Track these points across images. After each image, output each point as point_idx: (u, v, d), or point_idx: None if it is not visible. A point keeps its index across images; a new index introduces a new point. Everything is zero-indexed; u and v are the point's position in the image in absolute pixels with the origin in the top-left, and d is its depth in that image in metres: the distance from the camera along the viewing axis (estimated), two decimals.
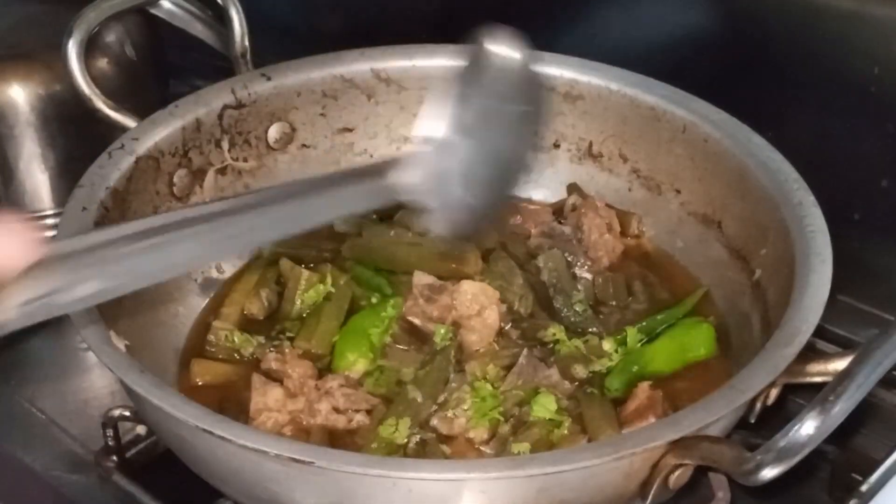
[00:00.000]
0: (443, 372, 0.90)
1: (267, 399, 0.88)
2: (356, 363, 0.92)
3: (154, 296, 0.97)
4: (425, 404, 0.88)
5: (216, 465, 0.78)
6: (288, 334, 0.97)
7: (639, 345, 0.94)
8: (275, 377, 0.91)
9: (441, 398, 0.88)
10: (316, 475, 0.71)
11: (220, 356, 0.96)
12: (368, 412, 0.88)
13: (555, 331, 0.95)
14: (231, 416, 0.86)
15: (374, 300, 0.99)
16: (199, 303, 1.02)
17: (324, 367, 0.93)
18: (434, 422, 0.87)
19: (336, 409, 0.88)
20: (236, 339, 0.96)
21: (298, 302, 0.99)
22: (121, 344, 0.81)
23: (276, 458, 0.70)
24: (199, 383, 0.93)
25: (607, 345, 0.94)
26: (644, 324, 0.96)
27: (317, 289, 0.99)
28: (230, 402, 0.90)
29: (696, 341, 0.94)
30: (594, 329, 0.96)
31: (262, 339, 0.96)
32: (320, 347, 0.94)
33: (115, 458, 0.93)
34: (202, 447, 0.76)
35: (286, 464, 0.70)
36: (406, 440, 0.86)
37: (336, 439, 0.87)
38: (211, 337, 0.96)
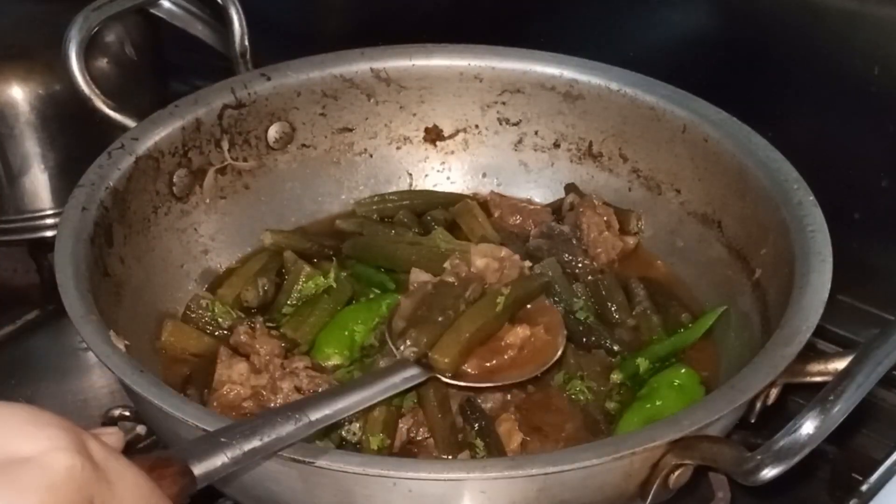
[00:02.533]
0: None
1: (231, 372, 0.88)
2: (331, 358, 0.93)
3: (153, 293, 0.97)
4: None
5: None
6: (269, 324, 0.97)
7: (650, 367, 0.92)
8: (242, 352, 0.91)
9: None
10: (316, 475, 0.71)
11: (198, 324, 0.96)
12: None
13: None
14: (198, 389, 0.89)
15: (371, 298, 0.99)
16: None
17: (302, 354, 0.93)
18: None
19: (298, 389, 0.88)
20: (216, 310, 0.96)
21: (295, 295, 0.99)
22: (121, 344, 0.81)
23: (275, 457, 0.70)
24: (165, 342, 0.94)
25: (615, 376, 0.92)
26: (656, 347, 0.94)
27: (316, 281, 0.99)
28: (199, 374, 0.91)
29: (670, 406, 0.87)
30: (603, 341, 0.96)
31: (241, 314, 0.97)
32: (305, 338, 0.95)
33: None
34: None
35: (286, 464, 0.70)
36: (343, 421, 0.85)
37: None
38: (191, 304, 0.97)
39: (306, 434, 0.70)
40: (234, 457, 0.64)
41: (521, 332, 0.89)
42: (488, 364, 0.87)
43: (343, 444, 0.85)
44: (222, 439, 0.64)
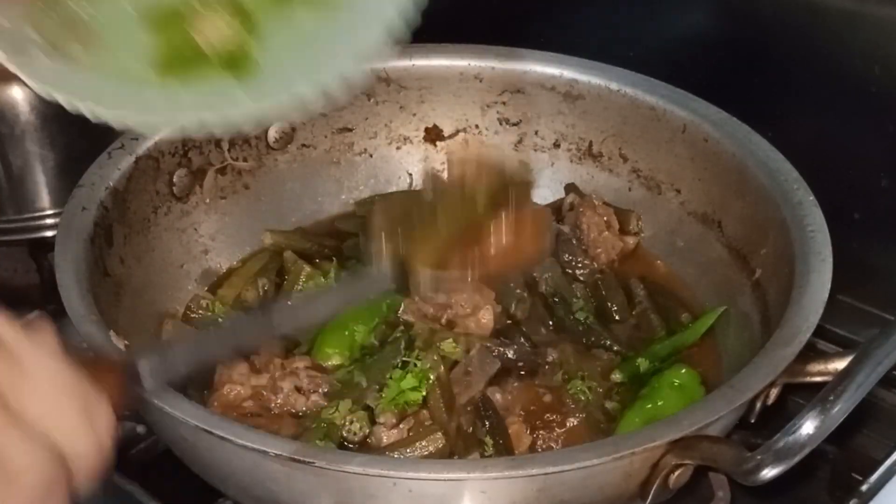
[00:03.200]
0: (389, 360, 0.90)
1: (232, 372, 0.89)
2: (331, 358, 0.93)
3: (153, 293, 0.97)
4: (369, 388, 0.88)
5: (216, 465, 0.78)
6: None
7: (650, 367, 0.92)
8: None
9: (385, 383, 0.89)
10: (316, 475, 0.71)
11: (197, 323, 0.96)
12: (325, 394, 0.89)
13: (561, 352, 0.94)
14: (198, 389, 0.89)
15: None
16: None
17: (302, 354, 0.93)
18: (369, 401, 0.87)
19: (298, 389, 0.88)
20: (216, 309, 0.96)
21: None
22: (121, 344, 0.81)
23: (276, 458, 0.70)
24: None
25: (615, 376, 0.92)
26: (657, 347, 0.95)
27: (316, 281, 0.99)
28: (199, 374, 0.91)
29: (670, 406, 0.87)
30: (603, 341, 0.96)
31: (241, 314, 0.97)
32: (305, 338, 0.95)
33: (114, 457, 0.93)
34: (202, 447, 0.76)
35: (286, 464, 0.70)
36: (344, 421, 0.86)
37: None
38: (191, 304, 0.97)
39: (266, 337, 0.70)
40: (189, 361, 0.64)
41: (505, 230, 0.84)
42: (470, 264, 0.83)
43: (343, 445, 0.85)
44: (177, 349, 0.66)
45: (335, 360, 0.93)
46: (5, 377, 0.49)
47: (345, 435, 0.85)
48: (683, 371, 0.91)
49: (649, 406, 0.87)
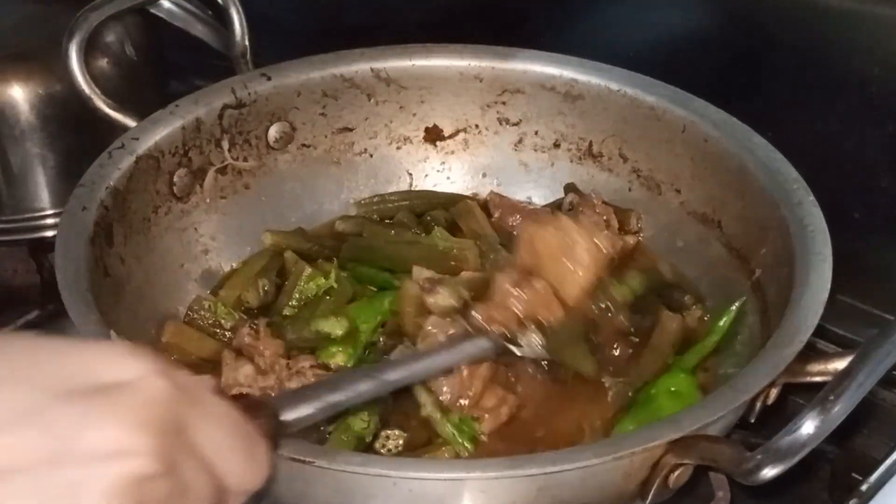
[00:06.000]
0: None
1: (237, 374, 0.88)
2: (335, 356, 0.93)
3: (154, 294, 0.97)
4: None
5: None
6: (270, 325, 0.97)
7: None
8: (246, 354, 0.91)
9: None
10: (316, 475, 0.71)
11: (200, 326, 0.96)
12: None
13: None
14: None
15: (373, 295, 0.99)
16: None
17: (307, 354, 0.93)
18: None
19: None
20: (218, 311, 0.96)
21: (296, 296, 0.99)
22: None
23: (276, 457, 0.70)
24: (167, 344, 0.94)
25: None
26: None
27: (317, 282, 0.99)
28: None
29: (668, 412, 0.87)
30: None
31: (243, 315, 0.97)
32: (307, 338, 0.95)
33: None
34: None
35: (286, 463, 0.70)
36: (359, 423, 0.86)
37: None
38: (194, 305, 0.97)
39: (384, 392, 0.77)
40: (320, 407, 0.70)
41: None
42: None
43: (356, 444, 0.85)
44: (308, 392, 0.72)
45: (339, 359, 0.93)
46: (188, 415, 0.54)
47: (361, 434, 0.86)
48: (682, 377, 0.91)
49: (645, 413, 0.87)
